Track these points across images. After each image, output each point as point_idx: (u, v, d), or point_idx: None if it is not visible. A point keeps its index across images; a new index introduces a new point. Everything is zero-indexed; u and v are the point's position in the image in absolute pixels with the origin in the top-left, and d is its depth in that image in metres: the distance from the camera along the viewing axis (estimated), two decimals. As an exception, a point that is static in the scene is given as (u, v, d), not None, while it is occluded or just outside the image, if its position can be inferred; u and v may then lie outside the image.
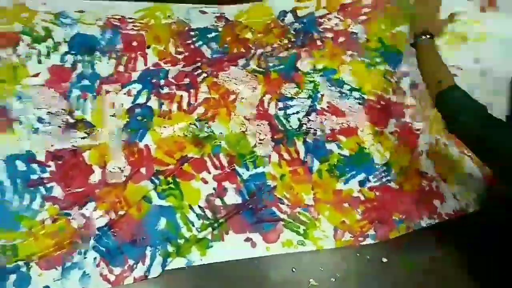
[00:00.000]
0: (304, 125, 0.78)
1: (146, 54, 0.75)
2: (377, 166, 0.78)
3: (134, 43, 0.75)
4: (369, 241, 0.72)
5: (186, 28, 0.78)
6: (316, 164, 0.75)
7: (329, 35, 0.84)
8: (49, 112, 0.68)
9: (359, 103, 0.82)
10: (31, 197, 0.64)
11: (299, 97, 0.80)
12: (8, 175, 0.64)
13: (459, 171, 0.81)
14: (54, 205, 0.64)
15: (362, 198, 0.75)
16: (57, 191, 0.65)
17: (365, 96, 0.83)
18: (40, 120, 0.67)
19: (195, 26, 0.79)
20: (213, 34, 0.79)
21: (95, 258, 0.63)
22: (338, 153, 0.77)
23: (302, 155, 0.76)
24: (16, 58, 0.69)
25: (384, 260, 0.71)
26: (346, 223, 0.72)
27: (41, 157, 0.66)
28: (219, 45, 0.79)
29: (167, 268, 0.64)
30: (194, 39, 0.78)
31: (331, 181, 0.75)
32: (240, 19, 0.81)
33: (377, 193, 0.75)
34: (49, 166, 0.66)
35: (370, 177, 0.76)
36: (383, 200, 0.75)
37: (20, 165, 0.65)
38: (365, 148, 0.79)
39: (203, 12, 0.80)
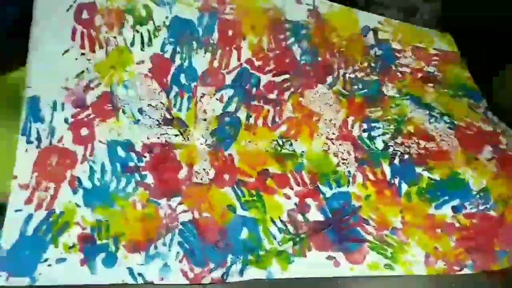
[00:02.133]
0: (390, 147, 0.75)
1: (241, 47, 0.77)
2: (473, 193, 0.72)
3: (230, 32, 0.76)
4: (466, 271, 0.65)
5: (282, 17, 0.80)
6: (404, 187, 0.72)
7: (407, 70, 0.86)
8: (150, 104, 0.71)
9: (450, 128, 0.78)
10: (126, 180, 0.68)
11: (385, 120, 0.78)
12: (109, 158, 0.68)
13: None
14: (146, 191, 0.67)
15: (457, 225, 0.69)
16: (149, 180, 0.68)
17: (455, 122, 0.79)
18: (140, 111, 0.71)
19: (290, 17, 0.81)
20: (304, 31, 0.81)
21: (178, 253, 0.63)
22: (428, 177, 0.73)
23: (388, 176, 0.73)
24: (122, 41, 0.71)
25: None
26: (439, 250, 0.66)
27: (138, 147, 0.70)
28: (308, 44, 0.80)
29: (245, 276, 0.62)
30: (287, 33, 0.80)
31: (422, 204, 0.70)
32: (330, 19, 0.84)
33: (474, 221, 0.69)
34: (145, 157, 0.69)
35: (466, 204, 0.71)
36: (482, 228, 0.69)
37: (120, 151, 0.69)
38: (459, 174, 0.73)
39: (299, 2, 0.82)
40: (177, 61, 0.74)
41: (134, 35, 0.73)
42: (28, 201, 0.63)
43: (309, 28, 0.82)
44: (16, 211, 0.62)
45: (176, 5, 0.75)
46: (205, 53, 0.75)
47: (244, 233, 0.66)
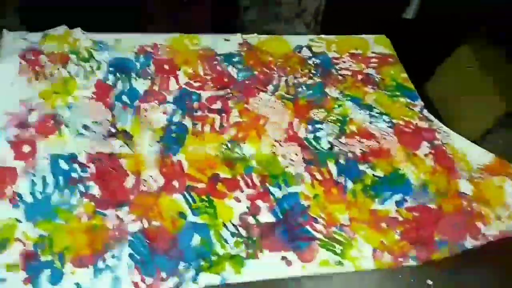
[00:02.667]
0: (335, 147, 0.78)
1: (177, 75, 0.83)
2: (413, 187, 0.75)
3: (166, 66, 0.83)
4: (411, 262, 0.68)
5: (212, 53, 0.87)
6: (349, 184, 0.74)
7: (348, 72, 0.91)
8: (94, 121, 0.74)
9: (389, 127, 0.82)
10: (70, 192, 0.66)
11: (328, 121, 0.81)
12: (51, 171, 0.67)
13: (501, 197, 0.78)
14: (91, 202, 0.65)
15: (400, 218, 0.72)
16: (95, 191, 0.67)
17: (394, 121, 0.84)
18: (85, 127, 0.73)
19: (220, 52, 0.88)
20: (237, 58, 0.87)
21: (128, 265, 0.61)
22: (372, 174, 0.76)
23: (334, 175, 0.75)
24: (67, 73, 0.78)
25: (429, 282, 0.67)
26: (384, 244, 0.69)
27: (82, 158, 0.69)
28: (243, 65, 0.86)
29: (200, 283, 0.61)
30: (220, 62, 0.86)
31: (366, 201, 0.73)
32: (261, 46, 0.91)
33: (416, 214, 0.73)
34: (89, 167, 0.69)
35: (407, 198, 0.74)
36: (422, 221, 0.72)
37: (63, 164, 0.68)
38: (399, 169, 0.77)
39: (227, 40, 0.90)
40: (119, 86, 0.80)
41: (78, 68, 0.80)
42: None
43: (241, 55, 0.89)
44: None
45: (114, 51, 0.84)
46: (144, 80, 0.81)
47: (196, 239, 0.65)
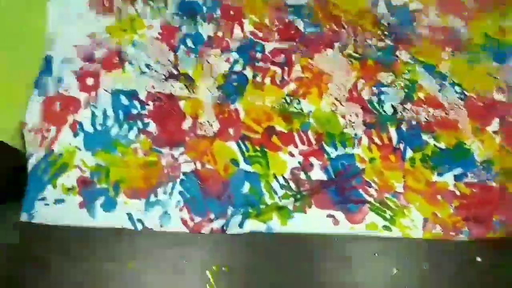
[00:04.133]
0: (399, 112, 0.74)
1: (243, 23, 0.80)
2: (477, 163, 0.71)
3: (232, 12, 0.81)
4: (462, 238, 0.65)
5: (281, 3, 0.82)
6: (409, 153, 0.71)
7: (426, 32, 0.82)
8: (157, 61, 0.74)
9: (460, 98, 0.77)
10: (129, 127, 0.68)
11: (396, 85, 0.77)
12: (112, 105, 0.70)
13: None
14: (148, 139, 0.67)
15: (458, 193, 0.69)
16: (152, 128, 0.69)
17: (467, 93, 0.78)
18: (148, 66, 0.74)
19: (290, 2, 0.83)
20: (307, 11, 0.82)
21: (178, 201, 0.63)
22: (434, 145, 0.72)
23: (394, 142, 0.72)
24: (134, 11, 0.78)
25: (479, 259, 0.64)
26: (438, 216, 0.67)
27: (142, 96, 0.71)
28: (312, 20, 0.81)
29: (245, 228, 0.62)
30: (289, 14, 0.81)
31: (425, 171, 0.70)
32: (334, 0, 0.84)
33: (475, 190, 0.69)
34: (148, 105, 0.70)
35: (468, 173, 0.70)
36: (482, 198, 0.68)
37: (124, 100, 0.70)
38: (465, 144, 0.73)
39: None
40: (184, 28, 0.78)
41: (145, 7, 0.79)
42: (31, 142, 0.65)
43: (311, 8, 0.83)
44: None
45: None
46: (209, 24, 0.79)
47: (246, 187, 0.66)
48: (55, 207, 0.62)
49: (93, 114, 0.69)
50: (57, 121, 0.67)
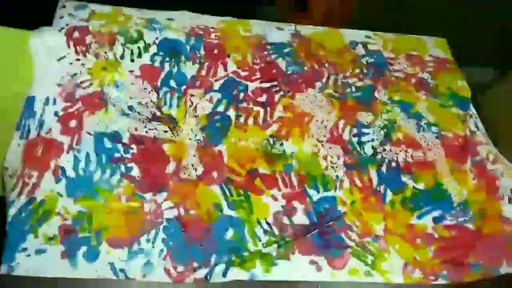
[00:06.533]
0: (379, 153, 0.76)
1: (226, 62, 0.81)
2: (454, 205, 0.73)
3: (215, 51, 0.82)
4: (441, 281, 0.67)
5: (263, 41, 0.85)
6: (389, 195, 0.73)
7: (401, 75, 0.87)
8: (139, 102, 0.74)
9: (437, 138, 0.79)
10: (111, 171, 0.67)
11: (375, 126, 0.79)
12: (95, 149, 0.69)
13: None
14: (131, 183, 0.67)
15: (436, 235, 0.71)
16: (135, 172, 0.68)
17: (443, 132, 0.81)
18: (131, 108, 0.73)
19: (271, 40, 0.86)
20: (288, 49, 0.85)
21: (161, 250, 0.63)
22: (413, 186, 0.74)
23: (375, 183, 0.73)
24: (112, 56, 0.77)
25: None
26: (417, 260, 0.68)
27: (125, 139, 0.70)
28: (293, 59, 0.84)
29: (229, 277, 0.62)
30: (270, 52, 0.84)
31: (404, 213, 0.72)
32: (315, 39, 0.88)
33: (453, 233, 0.71)
34: (132, 148, 0.70)
35: (447, 215, 0.72)
36: (458, 241, 0.71)
37: (107, 143, 0.70)
38: (442, 185, 0.75)
39: (280, 29, 0.88)
40: (166, 68, 0.79)
41: (124, 51, 0.78)
42: (12, 188, 0.63)
43: (292, 46, 0.86)
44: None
45: (166, 31, 0.82)
46: (192, 64, 0.80)
47: (230, 233, 0.66)
48: (36, 258, 0.60)
49: (76, 158, 0.67)
50: (39, 166, 0.66)
